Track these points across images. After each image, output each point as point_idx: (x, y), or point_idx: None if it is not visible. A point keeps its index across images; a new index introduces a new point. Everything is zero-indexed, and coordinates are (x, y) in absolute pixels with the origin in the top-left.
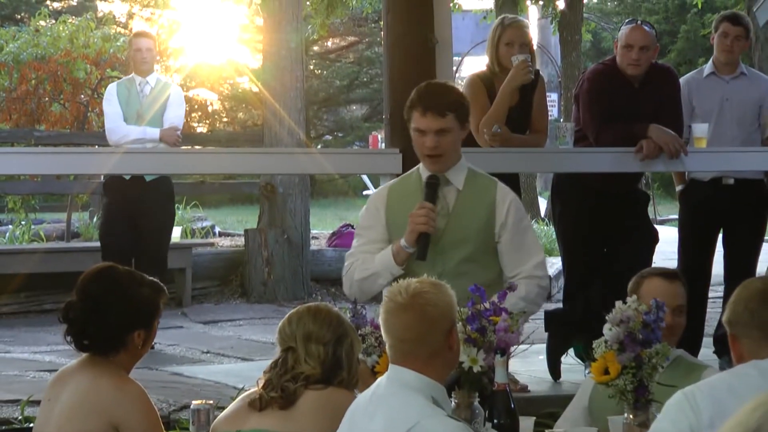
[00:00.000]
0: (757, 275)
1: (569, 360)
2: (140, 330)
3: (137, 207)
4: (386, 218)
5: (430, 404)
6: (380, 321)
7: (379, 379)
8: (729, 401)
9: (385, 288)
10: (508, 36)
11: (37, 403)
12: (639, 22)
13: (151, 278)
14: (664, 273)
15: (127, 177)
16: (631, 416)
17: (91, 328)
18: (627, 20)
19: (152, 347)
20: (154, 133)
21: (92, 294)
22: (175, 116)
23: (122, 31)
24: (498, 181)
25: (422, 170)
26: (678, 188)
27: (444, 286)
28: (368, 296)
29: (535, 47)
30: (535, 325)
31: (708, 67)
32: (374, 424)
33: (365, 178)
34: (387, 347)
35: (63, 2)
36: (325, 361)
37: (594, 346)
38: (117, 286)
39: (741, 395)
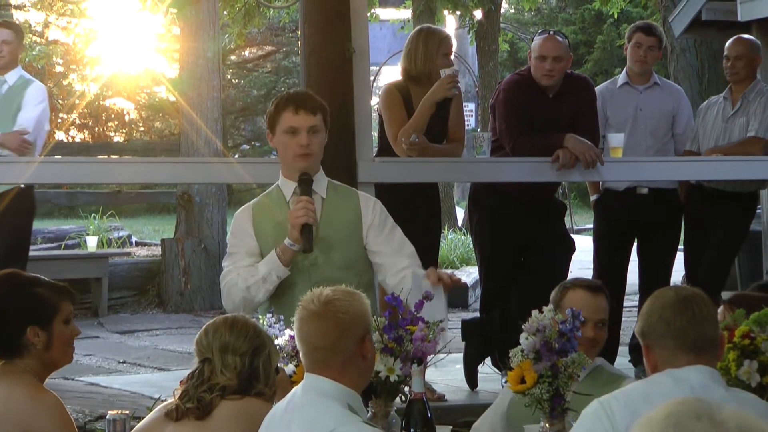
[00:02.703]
0: (671, 284)
1: (486, 369)
2: (34, 326)
3: None
4: (254, 231)
5: (347, 411)
6: (294, 330)
7: (294, 389)
8: (645, 410)
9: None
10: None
11: None
12: (551, 32)
13: (55, 282)
14: (589, 285)
15: None
16: (547, 425)
17: None
18: (540, 31)
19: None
20: None
21: None
22: (26, 118)
23: (38, 40)
24: (357, 190)
25: (282, 183)
26: (593, 198)
27: (358, 294)
28: (254, 306)
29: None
30: (453, 334)
31: (621, 78)
32: None
33: None
34: (301, 356)
35: None
36: (242, 372)
37: (510, 355)
38: (11, 285)
39: (656, 404)
